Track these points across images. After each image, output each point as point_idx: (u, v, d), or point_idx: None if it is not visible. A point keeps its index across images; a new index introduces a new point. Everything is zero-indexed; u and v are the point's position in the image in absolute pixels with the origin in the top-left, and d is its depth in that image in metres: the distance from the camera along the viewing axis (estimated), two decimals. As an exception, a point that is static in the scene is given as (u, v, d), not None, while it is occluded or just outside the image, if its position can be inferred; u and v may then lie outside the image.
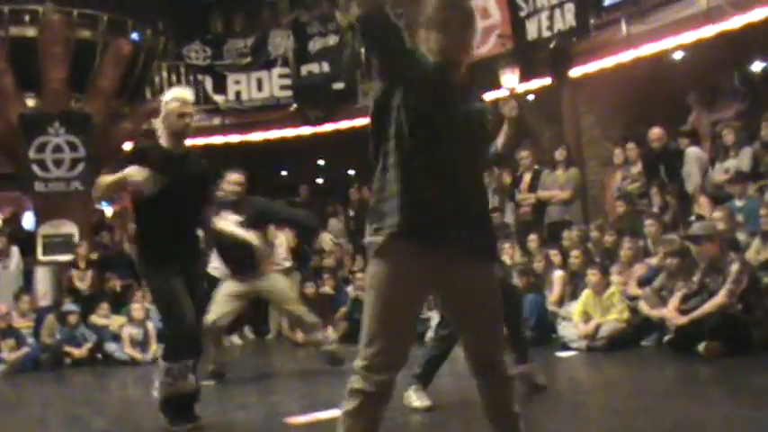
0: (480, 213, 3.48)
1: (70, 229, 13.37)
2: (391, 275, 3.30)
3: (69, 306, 11.36)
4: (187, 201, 5.69)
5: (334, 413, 5.63)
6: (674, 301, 8.04)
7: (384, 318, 3.31)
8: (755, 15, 10.28)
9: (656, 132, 10.86)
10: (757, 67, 12.23)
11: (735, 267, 7.62)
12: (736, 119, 11.22)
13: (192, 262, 5.89)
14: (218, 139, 15.43)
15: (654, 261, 9.45)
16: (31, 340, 10.97)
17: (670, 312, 7.96)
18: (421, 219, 3.29)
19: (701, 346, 7.41)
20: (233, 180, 8.25)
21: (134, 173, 5.43)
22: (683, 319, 7.73)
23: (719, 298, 7.57)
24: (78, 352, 10.82)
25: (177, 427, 5.66)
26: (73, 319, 11.00)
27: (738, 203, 9.62)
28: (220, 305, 8.17)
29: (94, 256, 12.72)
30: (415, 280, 3.34)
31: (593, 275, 8.98)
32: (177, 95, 5.79)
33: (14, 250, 13.04)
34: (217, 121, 16.15)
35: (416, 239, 3.28)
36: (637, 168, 11.27)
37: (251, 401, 7.17)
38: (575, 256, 9.67)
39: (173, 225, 5.64)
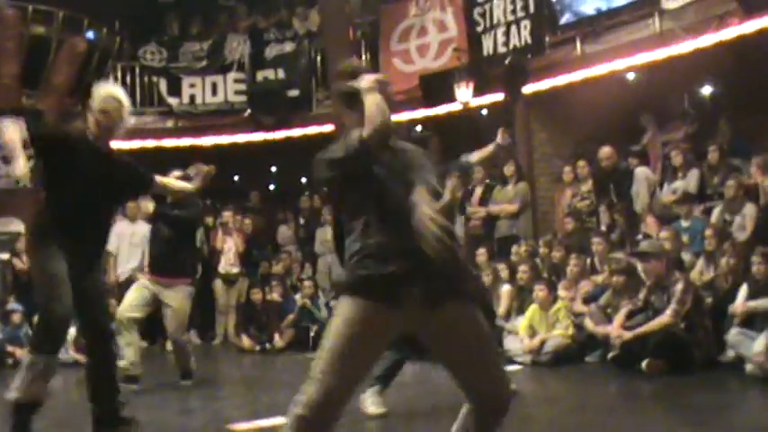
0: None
1: (17, 227, 13.18)
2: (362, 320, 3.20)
3: (13, 305, 11.20)
4: (87, 199, 5.28)
5: (276, 420, 5.65)
6: (620, 317, 8.14)
7: (343, 361, 3.19)
8: (706, 41, 10.45)
9: (606, 151, 10.99)
10: (707, 90, 12.42)
11: (679, 287, 7.73)
12: (685, 141, 11.40)
13: (86, 260, 5.38)
14: (170, 142, 15.30)
15: (600, 279, 9.56)
16: (-28, 339, 10.81)
17: (615, 328, 8.05)
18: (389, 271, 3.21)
19: (644, 364, 7.51)
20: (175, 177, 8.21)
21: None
22: (627, 335, 7.82)
23: (664, 317, 7.68)
24: (21, 352, 10.63)
25: None
26: (16, 318, 10.84)
27: (684, 224, 9.77)
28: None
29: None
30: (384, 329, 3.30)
31: (539, 291, 9.06)
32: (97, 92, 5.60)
33: (-42, 247, 12.86)
34: (170, 123, 16.02)
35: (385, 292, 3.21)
36: (587, 186, 11.39)
37: (194, 407, 7.14)
38: (522, 270, 9.75)
39: (72, 216, 5.26)
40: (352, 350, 3.18)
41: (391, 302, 3.20)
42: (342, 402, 3.21)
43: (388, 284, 3.19)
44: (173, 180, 6.35)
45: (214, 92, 15.87)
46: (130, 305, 7.99)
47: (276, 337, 11.41)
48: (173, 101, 15.94)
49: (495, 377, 3.45)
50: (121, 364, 7.92)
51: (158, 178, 5.84)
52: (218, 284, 12.61)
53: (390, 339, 3.45)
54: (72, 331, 10.45)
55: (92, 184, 5.25)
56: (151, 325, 11.86)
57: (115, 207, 5.89)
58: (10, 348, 10.62)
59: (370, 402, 6.02)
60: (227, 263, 12.62)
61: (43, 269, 5.25)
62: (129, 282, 10.30)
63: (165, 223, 8.09)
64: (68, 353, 10.56)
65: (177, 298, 7.98)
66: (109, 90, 5.64)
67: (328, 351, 3.20)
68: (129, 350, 7.85)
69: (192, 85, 15.93)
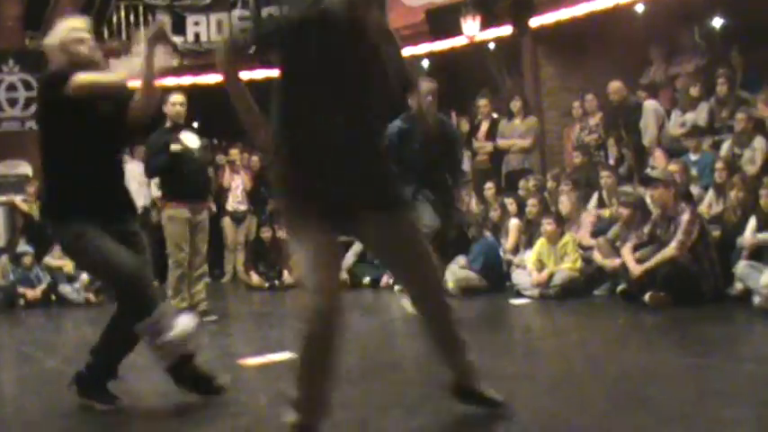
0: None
1: (25, 169, 13.21)
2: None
3: (23, 247, 11.25)
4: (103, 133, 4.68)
5: (285, 355, 5.69)
6: (627, 250, 8.08)
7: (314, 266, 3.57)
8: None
9: (615, 85, 10.88)
10: (717, 22, 12.26)
11: (685, 218, 7.69)
12: (695, 74, 11.28)
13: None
14: (174, 81, 15.20)
15: (608, 212, 9.54)
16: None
17: (629, 261, 7.98)
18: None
19: (647, 297, 7.52)
20: (175, 101, 8.18)
21: None
22: (639, 269, 7.78)
23: (670, 249, 7.66)
24: (32, 293, 10.75)
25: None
26: (27, 260, 10.92)
27: (693, 157, 9.73)
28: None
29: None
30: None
31: (547, 224, 9.05)
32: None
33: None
34: (175, 62, 15.91)
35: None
36: (595, 120, 11.33)
37: (204, 343, 7.17)
38: (532, 204, 9.73)
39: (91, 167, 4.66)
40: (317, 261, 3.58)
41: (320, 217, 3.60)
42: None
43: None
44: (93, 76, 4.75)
45: (219, 29, 15.75)
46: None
47: (285, 273, 11.45)
48: (177, 39, 15.81)
49: (421, 282, 3.91)
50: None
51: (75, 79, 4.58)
52: (227, 222, 12.64)
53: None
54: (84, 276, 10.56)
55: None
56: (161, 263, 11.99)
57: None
58: (21, 290, 10.70)
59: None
60: (235, 201, 12.63)
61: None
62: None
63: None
64: (80, 294, 10.67)
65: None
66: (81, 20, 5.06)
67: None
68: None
69: (197, 23, 15.79)
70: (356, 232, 3.95)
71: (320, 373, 3.55)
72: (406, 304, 6.62)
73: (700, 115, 10.23)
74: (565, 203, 9.61)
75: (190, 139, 8.15)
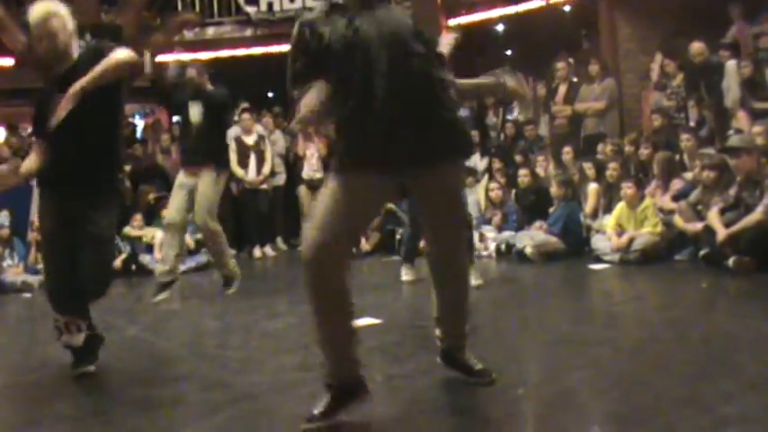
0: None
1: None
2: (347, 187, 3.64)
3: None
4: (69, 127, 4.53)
5: (365, 321, 5.70)
6: (714, 215, 7.89)
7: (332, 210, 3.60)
8: None
9: (697, 46, 10.59)
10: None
11: (772, 182, 7.51)
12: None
13: (88, 188, 4.85)
14: (248, 51, 15.28)
15: (689, 176, 9.34)
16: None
17: (717, 225, 7.79)
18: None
19: (731, 261, 7.36)
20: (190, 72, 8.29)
21: None
22: (725, 233, 7.60)
23: (757, 214, 7.46)
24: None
25: (77, 369, 4.95)
26: (3, 233, 10.81)
27: (778, 118, 9.46)
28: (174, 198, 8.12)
29: (127, 168, 12.71)
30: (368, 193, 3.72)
31: (627, 188, 8.90)
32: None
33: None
34: (248, 32, 15.97)
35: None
36: (676, 81, 11.08)
37: (282, 311, 7.24)
38: (612, 168, 9.56)
39: (66, 143, 4.71)
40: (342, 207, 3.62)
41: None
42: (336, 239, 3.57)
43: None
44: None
45: (291, -1, 15.76)
46: (173, 209, 7.97)
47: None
48: (250, 9, 15.85)
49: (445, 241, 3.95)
50: (158, 268, 8.07)
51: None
52: (303, 190, 12.68)
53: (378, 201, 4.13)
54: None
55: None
56: (238, 232, 12.10)
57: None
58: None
59: (404, 272, 8.12)
60: (311, 168, 12.66)
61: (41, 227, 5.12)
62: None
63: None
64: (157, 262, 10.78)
65: (203, 183, 7.89)
66: (39, 11, 4.80)
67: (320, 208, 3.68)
68: (169, 253, 7.87)
69: (270, -8, 15.82)
70: (404, 184, 3.84)
71: (332, 323, 3.63)
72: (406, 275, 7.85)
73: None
74: (658, 165, 9.44)
75: (194, 108, 8.15)
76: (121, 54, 4.70)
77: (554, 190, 9.77)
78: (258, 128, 12.59)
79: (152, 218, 11.68)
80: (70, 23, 4.84)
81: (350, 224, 3.66)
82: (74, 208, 4.78)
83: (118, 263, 10.73)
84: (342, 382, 3.59)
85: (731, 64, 10.46)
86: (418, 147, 3.59)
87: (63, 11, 4.82)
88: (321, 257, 3.50)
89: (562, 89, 11.95)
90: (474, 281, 6.53)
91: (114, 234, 5.04)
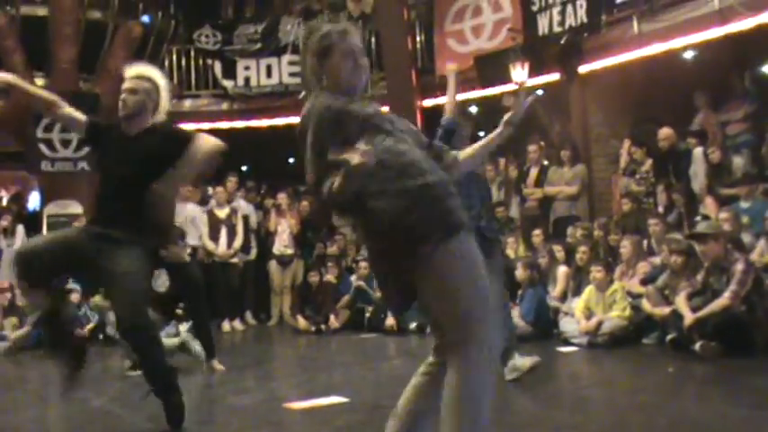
0: None
1: (76, 209, 13.37)
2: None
3: (71, 285, 11.34)
4: (125, 180, 5.07)
5: (332, 400, 5.69)
6: (682, 300, 7.96)
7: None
8: (767, 17, 10.24)
9: (665, 132, 10.84)
10: (768, 68, 12.16)
11: (739, 267, 7.61)
12: (745, 120, 11.19)
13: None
14: (225, 125, 15.39)
15: (657, 260, 9.45)
16: (32, 319, 10.98)
17: (684, 310, 7.85)
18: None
19: (698, 346, 7.41)
20: None
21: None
22: (693, 317, 7.66)
23: (724, 300, 7.55)
24: (80, 332, 10.80)
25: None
26: (74, 297, 10.98)
27: (744, 205, 9.62)
28: None
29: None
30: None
31: (597, 272, 8.98)
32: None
33: (20, 229, 12.99)
34: (225, 106, 16.15)
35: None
36: (644, 167, 11.26)
37: (250, 386, 7.19)
38: (582, 251, 9.66)
39: (109, 201, 5.17)
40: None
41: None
42: None
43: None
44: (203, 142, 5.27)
45: (269, 74, 15.98)
46: None
47: (332, 317, 11.45)
48: (228, 83, 16.06)
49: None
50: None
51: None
52: (273, 265, 12.72)
53: None
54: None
55: (117, 168, 5.16)
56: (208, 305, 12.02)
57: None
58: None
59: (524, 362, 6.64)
60: (282, 244, 12.70)
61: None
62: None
63: None
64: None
65: None
66: (138, 69, 5.41)
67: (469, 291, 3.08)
68: None
69: (247, 68, 16.05)
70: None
71: None
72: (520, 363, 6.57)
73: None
74: (627, 248, 9.52)
75: None
76: (213, 142, 5.19)
77: (520, 273, 9.81)
78: (241, 203, 12.74)
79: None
80: (163, 99, 5.33)
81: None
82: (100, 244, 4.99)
83: (85, 332, 10.67)
84: None
85: (698, 151, 10.68)
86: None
87: (161, 83, 5.36)
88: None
89: (533, 172, 12.13)
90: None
91: (141, 270, 5.05)
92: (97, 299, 11.23)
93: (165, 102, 5.35)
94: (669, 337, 7.98)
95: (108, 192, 5.19)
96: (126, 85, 5.25)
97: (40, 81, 14.07)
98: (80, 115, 5.29)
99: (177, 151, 5.08)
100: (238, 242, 12.39)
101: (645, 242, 9.95)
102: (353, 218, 3.28)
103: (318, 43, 3.45)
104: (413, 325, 10.53)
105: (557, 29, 12.50)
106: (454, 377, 3.07)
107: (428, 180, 3.11)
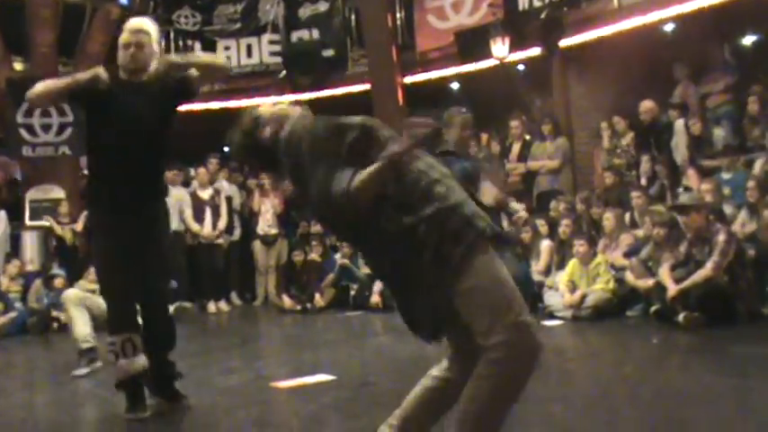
0: None
1: (58, 194, 13.31)
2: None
3: (56, 270, 11.33)
4: (136, 138, 5.03)
5: (318, 378, 5.71)
6: (666, 271, 8.01)
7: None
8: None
9: (646, 105, 10.88)
10: (748, 40, 12.16)
11: (721, 238, 7.66)
12: (725, 92, 11.22)
13: (147, 210, 5.18)
14: (205, 105, 15.30)
15: (640, 233, 9.49)
16: (18, 304, 10.97)
17: (668, 281, 7.92)
18: None
19: (681, 317, 7.47)
20: None
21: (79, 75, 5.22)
22: (676, 288, 7.71)
23: (706, 270, 7.61)
24: (66, 317, 10.75)
25: (130, 414, 5.12)
26: (59, 283, 10.92)
27: (725, 176, 9.66)
28: None
29: (82, 222, 12.60)
30: None
31: (580, 246, 9.02)
32: (125, 26, 5.37)
33: (2, 215, 12.95)
34: (206, 86, 16.05)
35: None
36: (626, 140, 11.29)
37: (237, 366, 7.20)
38: (565, 225, 9.67)
39: (121, 167, 5.02)
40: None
41: None
42: None
43: None
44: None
45: (249, 54, 15.88)
46: None
47: (317, 296, 11.46)
48: (208, 64, 15.93)
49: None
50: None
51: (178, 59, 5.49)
52: (257, 245, 12.70)
53: None
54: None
55: (134, 125, 5.05)
56: (190, 286, 12.03)
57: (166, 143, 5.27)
58: (55, 313, 10.72)
59: None
60: (266, 224, 12.68)
61: (102, 247, 5.17)
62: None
63: None
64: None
65: None
66: (139, 23, 5.41)
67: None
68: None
69: (227, 48, 15.93)
70: None
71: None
72: None
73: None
74: (610, 221, 9.56)
75: None
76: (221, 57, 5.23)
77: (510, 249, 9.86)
78: (224, 184, 12.73)
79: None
80: (156, 45, 5.33)
81: None
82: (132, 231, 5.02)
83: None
84: None
85: (680, 123, 10.71)
86: None
87: (154, 33, 5.35)
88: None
89: (516, 147, 12.13)
90: None
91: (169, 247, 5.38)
92: (82, 283, 11.18)
93: (157, 51, 5.34)
94: (653, 308, 8.04)
95: (121, 155, 5.02)
96: (131, 38, 5.22)
97: (19, 65, 13.98)
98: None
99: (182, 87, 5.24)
100: (222, 223, 12.37)
101: (627, 215, 9.99)
102: (366, 228, 3.13)
103: None
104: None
105: (537, 3, 12.48)
106: (486, 370, 3.07)
107: (451, 202, 3.08)
